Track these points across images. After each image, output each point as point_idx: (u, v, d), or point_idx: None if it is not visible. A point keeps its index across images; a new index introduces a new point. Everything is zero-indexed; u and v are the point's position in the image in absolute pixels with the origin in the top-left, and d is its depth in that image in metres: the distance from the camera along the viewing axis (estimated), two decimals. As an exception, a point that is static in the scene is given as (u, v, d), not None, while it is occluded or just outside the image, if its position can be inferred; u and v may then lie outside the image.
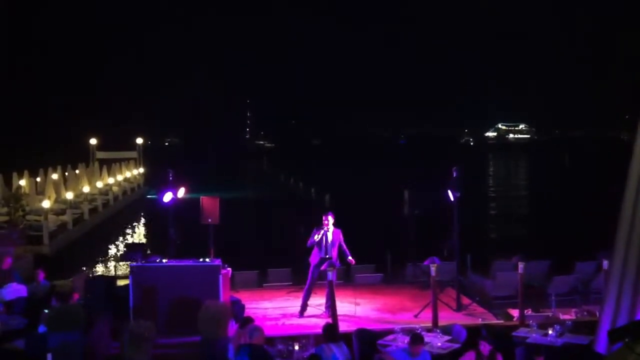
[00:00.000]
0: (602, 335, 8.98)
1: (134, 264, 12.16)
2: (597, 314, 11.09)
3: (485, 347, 9.27)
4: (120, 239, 34.05)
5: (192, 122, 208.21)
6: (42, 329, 10.32)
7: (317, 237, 12.95)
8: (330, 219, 12.98)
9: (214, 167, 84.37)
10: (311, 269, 13.08)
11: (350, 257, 13.13)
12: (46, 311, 10.56)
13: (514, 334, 10.62)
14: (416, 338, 9.05)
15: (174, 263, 12.25)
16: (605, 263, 12.51)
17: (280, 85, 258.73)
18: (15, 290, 12.70)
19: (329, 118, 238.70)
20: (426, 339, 9.69)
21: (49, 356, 7.42)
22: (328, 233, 12.96)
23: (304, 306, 13.10)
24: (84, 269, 24.89)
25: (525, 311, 12.35)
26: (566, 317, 12.25)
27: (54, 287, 13.58)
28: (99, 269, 26.23)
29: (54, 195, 32.89)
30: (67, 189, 34.82)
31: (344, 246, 13.12)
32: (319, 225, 13.02)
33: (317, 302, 13.34)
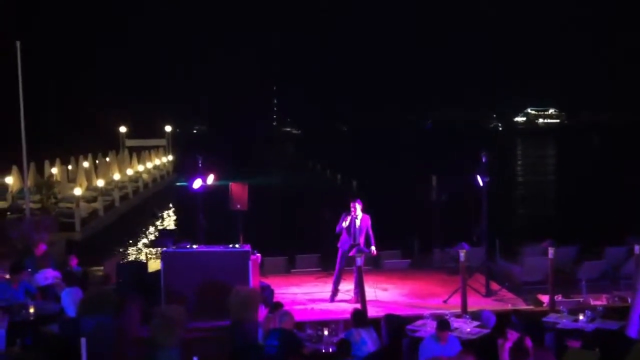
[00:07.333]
0: (635, 320, 8.92)
1: (166, 249, 12.31)
2: (629, 299, 11.00)
3: (512, 335, 9.23)
4: (151, 225, 34.41)
5: (220, 110, 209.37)
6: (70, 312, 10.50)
7: (345, 224, 12.98)
8: (358, 206, 13.01)
9: (242, 154, 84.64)
10: (339, 255, 13.11)
11: (372, 247, 13.13)
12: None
13: (544, 319, 10.54)
14: (443, 324, 9.02)
15: (204, 249, 12.37)
16: (637, 248, 12.40)
17: (306, 72, 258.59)
18: (50, 276, 12.89)
19: (355, 104, 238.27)
20: (455, 325, 9.68)
21: (83, 340, 7.52)
22: (356, 220, 12.99)
23: (334, 292, 13.17)
24: (115, 254, 25.23)
25: (556, 297, 12.27)
26: (597, 302, 12.16)
27: (86, 273, 13.78)
28: (130, 254, 26.57)
29: (85, 183, 33.35)
30: (97, 177, 35.35)
31: (370, 233, 13.14)
32: (347, 211, 13.05)
33: (346, 288, 13.39)
